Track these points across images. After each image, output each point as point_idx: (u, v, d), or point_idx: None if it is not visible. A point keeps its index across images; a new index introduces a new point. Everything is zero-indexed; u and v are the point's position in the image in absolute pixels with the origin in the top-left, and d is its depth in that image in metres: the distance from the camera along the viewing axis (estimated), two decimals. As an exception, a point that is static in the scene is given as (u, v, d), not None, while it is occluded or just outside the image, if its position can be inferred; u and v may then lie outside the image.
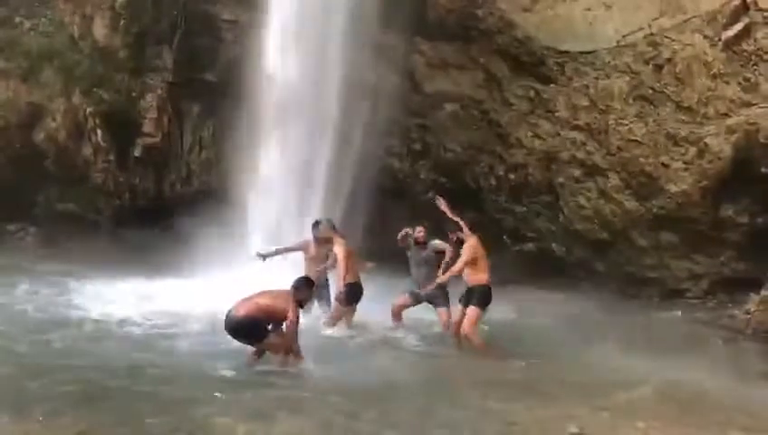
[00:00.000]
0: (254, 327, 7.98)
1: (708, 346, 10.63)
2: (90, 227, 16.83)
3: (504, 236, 15.53)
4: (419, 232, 10.70)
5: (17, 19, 16.17)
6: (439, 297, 10.44)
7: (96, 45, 16.63)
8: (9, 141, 16.64)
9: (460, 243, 9.91)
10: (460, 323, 9.72)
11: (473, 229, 10.10)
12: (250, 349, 8.23)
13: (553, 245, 15.02)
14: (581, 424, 6.56)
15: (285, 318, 7.96)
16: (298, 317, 8.06)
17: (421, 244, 10.66)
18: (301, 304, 8.22)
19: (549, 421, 6.78)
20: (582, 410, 7.13)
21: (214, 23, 16.76)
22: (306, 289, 8.36)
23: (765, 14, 11.59)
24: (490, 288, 9.69)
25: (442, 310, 10.47)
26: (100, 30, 16.58)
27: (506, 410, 7.10)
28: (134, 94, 16.81)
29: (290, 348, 8.08)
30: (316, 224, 11.19)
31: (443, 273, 10.06)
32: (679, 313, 12.98)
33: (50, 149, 16.74)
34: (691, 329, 11.95)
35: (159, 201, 17.28)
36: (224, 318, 8.13)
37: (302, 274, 9.63)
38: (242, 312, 7.99)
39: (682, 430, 6.84)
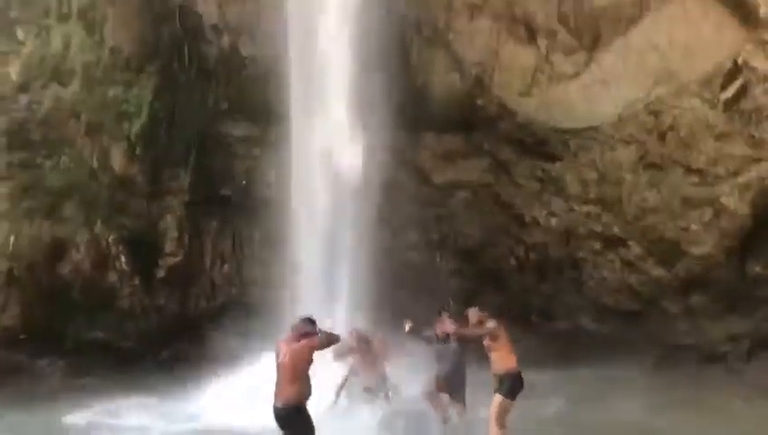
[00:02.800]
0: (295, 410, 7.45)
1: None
2: (119, 353, 16.84)
3: (533, 316, 15.36)
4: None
5: (38, 160, 16.79)
6: (460, 390, 10.06)
7: (114, 175, 17.16)
8: (36, 278, 16.90)
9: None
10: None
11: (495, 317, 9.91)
12: None
13: (583, 320, 14.82)
14: None
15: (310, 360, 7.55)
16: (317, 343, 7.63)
17: (442, 338, 10.45)
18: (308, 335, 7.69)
19: None
20: None
21: (226, 140, 17.34)
22: (310, 325, 7.82)
23: (758, 72, 11.85)
24: (520, 374, 9.28)
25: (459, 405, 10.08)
26: (117, 160, 17.15)
27: None
28: (154, 217, 17.20)
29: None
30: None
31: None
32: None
33: (76, 280, 16.98)
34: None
35: (186, 319, 17.35)
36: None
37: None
38: (280, 401, 7.50)
39: None
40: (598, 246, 14.22)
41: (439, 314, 10.15)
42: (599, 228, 14.11)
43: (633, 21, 13.21)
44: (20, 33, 16.73)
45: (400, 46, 15.55)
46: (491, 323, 9.27)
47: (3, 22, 16.74)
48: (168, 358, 16.17)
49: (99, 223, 16.94)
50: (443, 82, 15.72)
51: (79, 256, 16.88)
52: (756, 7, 11.64)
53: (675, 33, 12.84)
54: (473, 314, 9.45)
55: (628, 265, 13.90)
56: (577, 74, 13.88)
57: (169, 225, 17.31)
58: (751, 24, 11.85)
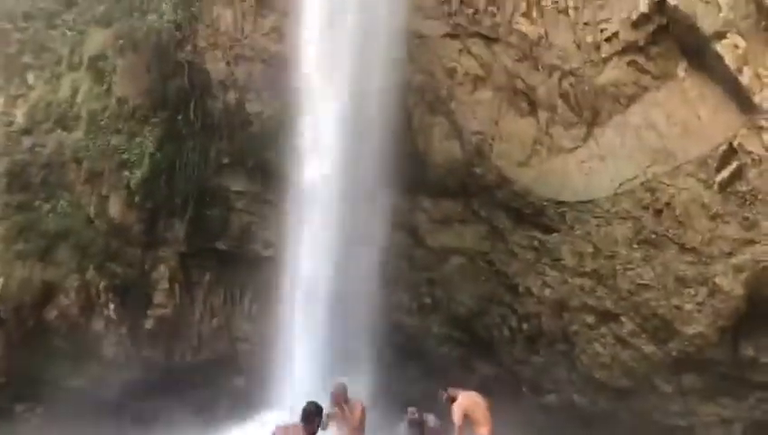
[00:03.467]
0: None
1: None
2: (100, 403, 16.48)
3: (523, 389, 15.12)
4: (413, 413, 10.57)
5: (37, 203, 16.83)
6: None
7: (111, 222, 17.17)
8: (22, 320, 16.71)
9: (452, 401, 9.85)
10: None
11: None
12: None
13: (575, 395, 14.57)
14: None
15: None
16: None
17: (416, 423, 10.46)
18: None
19: None
20: None
21: (225, 194, 17.43)
22: (317, 417, 8.15)
23: (753, 155, 11.98)
24: None
25: None
26: (115, 208, 17.19)
27: None
28: (147, 267, 17.13)
29: None
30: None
31: None
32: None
33: (62, 325, 16.78)
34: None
35: (171, 373, 17.04)
36: None
37: None
38: None
39: None
40: (591, 319, 14.09)
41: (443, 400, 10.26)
42: (592, 302, 14.01)
43: (632, 99, 13.48)
44: (30, 78, 17.05)
45: (402, 110, 15.81)
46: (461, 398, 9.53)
47: (15, 66, 17.08)
48: (150, 411, 15.82)
49: (91, 269, 16.86)
50: (443, 147, 15.91)
51: (67, 302, 16.74)
52: (752, 93, 11.89)
53: (672, 113, 13.08)
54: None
55: (620, 340, 13.74)
56: (575, 148, 14.08)
57: (162, 275, 17.23)
58: (746, 108, 12.05)
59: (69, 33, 16.95)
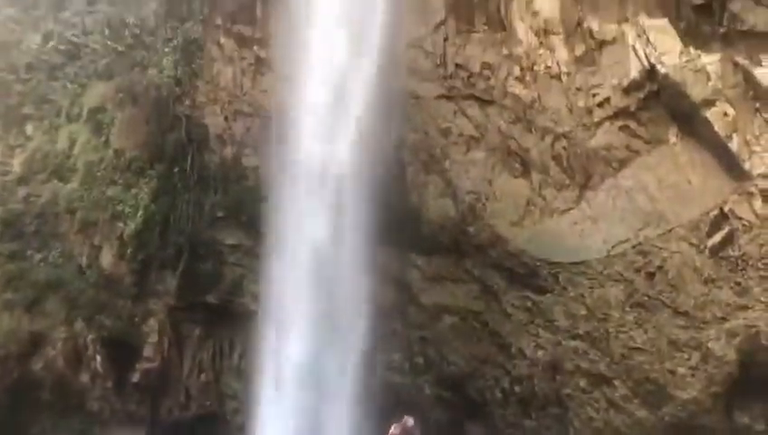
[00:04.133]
0: None
1: None
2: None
3: (516, 454, 14.84)
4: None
5: (28, 252, 16.78)
6: None
7: (102, 273, 17.12)
8: (8, 371, 16.48)
9: None
10: None
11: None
12: None
13: (567, 461, 14.30)
14: None
15: None
16: None
17: None
18: None
19: None
20: None
21: (217, 247, 17.41)
22: None
23: (744, 221, 12.08)
24: None
25: None
26: (107, 258, 17.16)
27: None
28: (136, 320, 17.00)
29: None
30: None
31: None
32: None
33: (47, 377, 16.53)
34: None
35: (156, 428, 16.71)
36: None
37: None
38: None
39: None
40: (584, 383, 13.93)
41: None
42: (585, 365, 13.88)
43: (623, 163, 13.62)
44: (29, 129, 17.22)
45: (397, 167, 15.95)
46: None
47: (15, 117, 17.27)
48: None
49: (79, 320, 16.73)
50: (436, 205, 16.00)
51: (53, 353, 16.54)
52: (742, 160, 12.06)
53: (664, 178, 13.21)
54: None
55: (613, 405, 13.55)
56: (568, 210, 14.16)
57: (151, 328, 17.10)
58: (736, 174, 12.21)
59: (70, 85, 17.21)
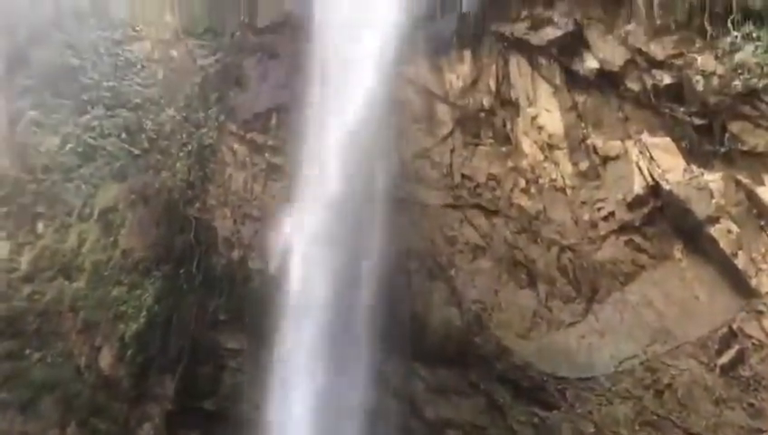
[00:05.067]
0: None
1: None
2: None
3: None
4: None
5: (27, 351, 16.54)
6: None
7: (100, 375, 16.77)
8: (-5, 475, 15.89)
9: None
10: None
11: None
12: None
13: None
14: None
15: None
16: None
17: None
18: None
19: None
20: None
21: (217, 351, 17.17)
22: None
23: (754, 340, 11.88)
24: None
25: None
26: (106, 360, 16.88)
27: None
28: (131, 424, 16.52)
29: None
30: None
31: None
32: None
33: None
34: None
35: None
36: None
37: None
38: None
39: None
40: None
41: None
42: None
43: (630, 277, 13.61)
44: (40, 227, 17.37)
45: (402, 274, 15.94)
46: None
47: (27, 215, 17.46)
48: None
49: (73, 424, 16.29)
50: (441, 314, 15.86)
51: (43, 458, 15.98)
52: (749, 277, 12.01)
53: (670, 293, 13.15)
54: None
55: None
56: (575, 323, 14.02)
57: (146, 433, 16.57)
58: (744, 292, 12.14)
59: (84, 186, 17.50)
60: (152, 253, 17.28)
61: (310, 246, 15.55)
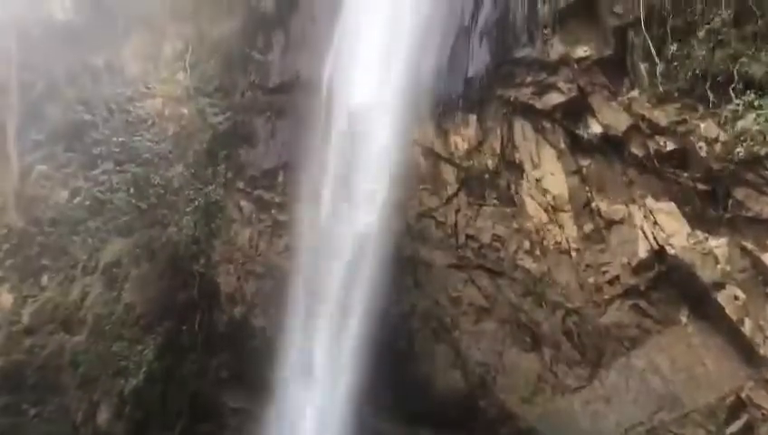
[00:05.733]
0: None
1: None
2: None
3: None
4: None
5: (24, 406, 16.34)
6: None
7: (97, 431, 16.53)
8: None
9: None
10: None
11: None
12: None
13: None
14: None
15: None
16: None
17: None
18: None
19: None
20: None
21: (219, 410, 16.90)
22: None
23: (763, 410, 11.63)
24: None
25: None
26: (104, 416, 16.66)
27: None
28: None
29: None
30: None
31: None
32: None
33: None
34: None
35: None
36: None
37: None
38: None
39: None
40: None
41: None
42: None
43: (635, 342, 13.43)
44: (44, 280, 17.42)
45: (406, 333, 15.81)
46: None
47: (32, 267, 17.54)
48: None
49: (65, 484, 15.91)
50: (445, 377, 15.66)
51: None
52: (756, 345, 11.84)
53: (677, 359, 12.93)
54: None
55: None
56: (580, 388, 13.79)
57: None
58: (751, 360, 11.94)
59: (90, 240, 17.62)
60: (155, 308, 17.23)
61: (314, 303, 15.52)
